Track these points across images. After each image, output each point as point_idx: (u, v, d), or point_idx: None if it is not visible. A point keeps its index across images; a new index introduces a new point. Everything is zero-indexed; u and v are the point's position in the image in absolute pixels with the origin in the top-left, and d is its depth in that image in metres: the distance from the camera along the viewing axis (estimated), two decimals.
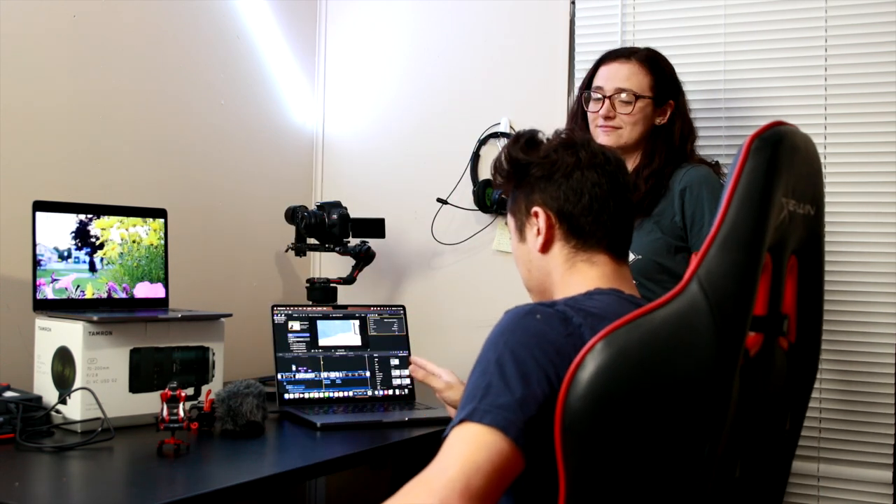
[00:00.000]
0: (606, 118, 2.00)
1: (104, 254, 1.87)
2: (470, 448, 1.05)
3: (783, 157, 1.02)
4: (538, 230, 1.31)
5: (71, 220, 1.84)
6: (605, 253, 1.29)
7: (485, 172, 2.59)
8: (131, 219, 1.93)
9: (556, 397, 1.04)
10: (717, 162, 2.08)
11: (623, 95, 1.99)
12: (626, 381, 1.01)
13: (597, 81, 2.04)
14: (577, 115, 2.10)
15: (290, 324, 2.06)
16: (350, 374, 2.08)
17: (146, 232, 1.95)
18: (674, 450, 1.01)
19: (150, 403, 1.71)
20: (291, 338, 2.05)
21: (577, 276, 1.29)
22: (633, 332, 1.01)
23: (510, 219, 1.38)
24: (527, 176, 1.32)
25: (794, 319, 1.14)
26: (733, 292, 0.99)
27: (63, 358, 1.70)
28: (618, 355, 1.00)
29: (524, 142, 1.33)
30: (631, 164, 2.03)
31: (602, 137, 2.01)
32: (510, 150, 1.34)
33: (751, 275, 1.00)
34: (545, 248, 1.31)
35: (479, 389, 1.10)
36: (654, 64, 2.03)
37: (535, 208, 1.31)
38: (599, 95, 2.02)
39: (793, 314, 1.14)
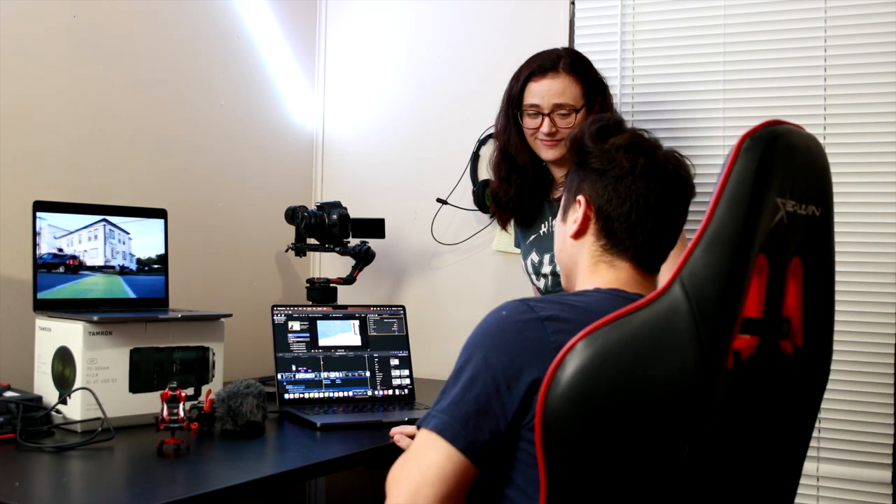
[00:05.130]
0: (549, 135, 2.02)
1: None
2: (419, 454, 1.20)
3: (777, 157, 1.01)
4: (576, 218, 1.34)
5: None
6: (629, 261, 1.31)
7: (485, 172, 2.59)
8: None
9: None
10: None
11: (562, 111, 2.01)
12: (603, 383, 1.00)
13: (530, 99, 2.04)
14: (510, 130, 2.10)
15: (290, 324, 2.06)
16: (350, 374, 2.08)
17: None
18: (653, 451, 1.01)
19: (150, 403, 1.71)
20: (291, 338, 2.05)
21: (595, 275, 1.32)
22: (612, 333, 1.00)
23: (563, 194, 1.41)
24: (585, 162, 1.34)
25: (800, 322, 1.12)
26: (717, 295, 0.97)
27: (63, 358, 1.70)
28: (596, 356, 1.00)
29: (596, 129, 1.34)
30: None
31: (547, 152, 2.05)
32: (583, 132, 1.35)
33: (737, 277, 0.98)
34: (577, 235, 1.34)
35: (439, 394, 1.24)
36: (580, 70, 2.04)
37: (580, 197, 1.33)
38: (536, 112, 2.03)
39: (797, 317, 1.12)
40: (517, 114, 2.08)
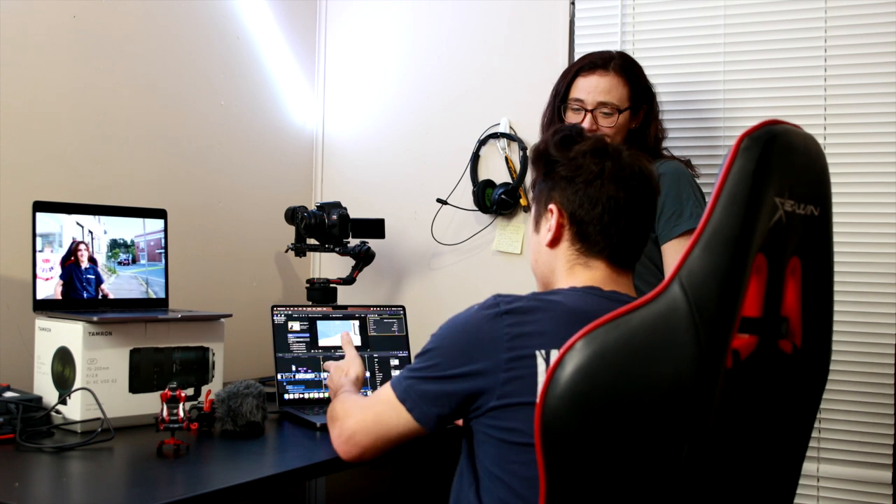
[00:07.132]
0: (589, 131, 2.02)
1: None
2: (382, 413, 1.40)
3: (776, 157, 1.01)
4: (550, 226, 1.37)
5: None
6: (603, 261, 1.36)
7: (485, 173, 2.59)
8: None
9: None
10: (689, 160, 2.12)
11: (605, 109, 2.01)
12: (602, 383, 1.00)
13: (576, 94, 2.05)
14: (554, 124, 2.09)
15: (290, 324, 2.06)
16: None
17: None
18: (652, 450, 1.01)
19: (150, 404, 1.72)
20: (291, 338, 2.05)
21: (572, 278, 1.37)
22: (611, 333, 1.00)
23: (532, 205, 1.45)
24: (552, 171, 1.38)
25: (799, 322, 1.12)
26: (716, 294, 0.97)
27: (63, 358, 1.70)
28: (594, 356, 1.00)
29: (559, 138, 1.38)
30: None
31: None
32: (547, 142, 1.39)
33: (735, 276, 0.98)
34: (553, 244, 1.38)
35: (414, 359, 1.42)
36: (630, 73, 2.04)
37: (552, 205, 1.37)
38: (579, 107, 2.04)
39: (796, 317, 1.12)
40: (562, 107, 2.08)
